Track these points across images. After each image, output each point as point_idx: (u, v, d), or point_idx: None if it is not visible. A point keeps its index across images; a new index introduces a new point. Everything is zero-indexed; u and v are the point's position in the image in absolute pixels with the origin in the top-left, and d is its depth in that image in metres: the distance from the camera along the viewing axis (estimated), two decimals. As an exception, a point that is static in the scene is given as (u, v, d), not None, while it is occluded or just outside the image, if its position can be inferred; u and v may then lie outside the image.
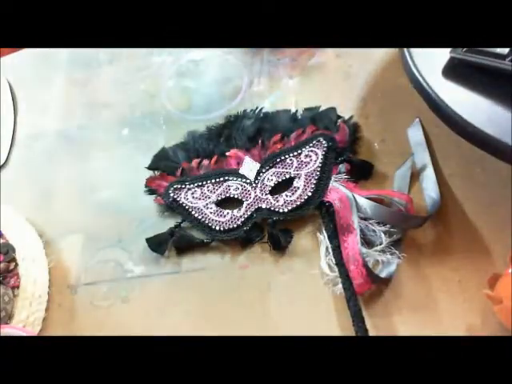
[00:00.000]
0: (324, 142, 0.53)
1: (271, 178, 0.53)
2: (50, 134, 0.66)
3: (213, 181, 0.54)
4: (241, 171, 0.54)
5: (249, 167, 0.54)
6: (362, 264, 0.45)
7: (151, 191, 0.57)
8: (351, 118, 0.56)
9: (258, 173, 0.53)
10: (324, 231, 0.49)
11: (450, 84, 0.44)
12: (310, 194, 0.51)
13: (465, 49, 0.43)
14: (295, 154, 0.53)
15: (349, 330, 0.44)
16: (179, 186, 0.55)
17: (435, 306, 0.44)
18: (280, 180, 0.53)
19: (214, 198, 0.53)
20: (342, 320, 0.45)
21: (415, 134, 0.53)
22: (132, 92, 0.67)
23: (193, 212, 0.53)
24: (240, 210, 0.52)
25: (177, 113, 0.64)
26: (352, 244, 0.46)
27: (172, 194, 0.54)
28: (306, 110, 0.57)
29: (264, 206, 0.52)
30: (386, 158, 0.53)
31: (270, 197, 0.52)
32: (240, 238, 0.51)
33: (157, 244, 0.53)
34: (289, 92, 0.61)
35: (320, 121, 0.55)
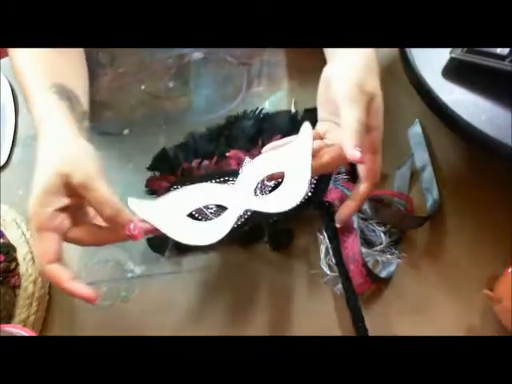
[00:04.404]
0: (324, 142, 0.53)
1: (271, 178, 0.53)
2: (50, 134, 0.66)
3: (213, 181, 0.54)
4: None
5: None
6: (362, 264, 0.45)
7: (151, 191, 0.57)
8: (351, 118, 0.56)
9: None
10: (324, 231, 0.49)
11: (450, 84, 0.44)
12: (309, 194, 0.51)
13: (465, 49, 0.43)
14: (295, 154, 0.53)
15: (349, 330, 0.44)
16: (179, 187, 0.55)
17: (435, 306, 0.45)
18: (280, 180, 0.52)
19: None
20: (342, 320, 0.45)
21: (415, 134, 0.53)
22: (132, 92, 0.67)
23: (193, 212, 0.53)
24: (240, 210, 0.52)
25: (177, 113, 0.63)
26: (352, 244, 0.46)
27: (172, 194, 0.54)
28: (306, 110, 0.57)
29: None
30: (386, 158, 0.53)
31: (270, 197, 0.52)
32: (240, 238, 0.51)
33: (157, 244, 0.53)
34: (289, 93, 0.61)
35: (320, 121, 0.55)
